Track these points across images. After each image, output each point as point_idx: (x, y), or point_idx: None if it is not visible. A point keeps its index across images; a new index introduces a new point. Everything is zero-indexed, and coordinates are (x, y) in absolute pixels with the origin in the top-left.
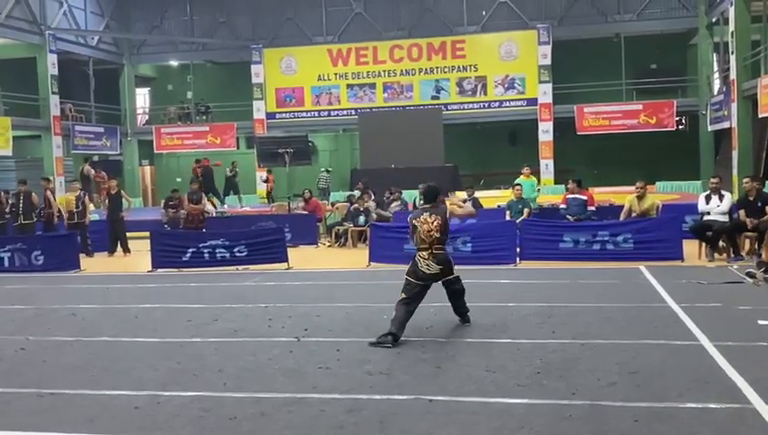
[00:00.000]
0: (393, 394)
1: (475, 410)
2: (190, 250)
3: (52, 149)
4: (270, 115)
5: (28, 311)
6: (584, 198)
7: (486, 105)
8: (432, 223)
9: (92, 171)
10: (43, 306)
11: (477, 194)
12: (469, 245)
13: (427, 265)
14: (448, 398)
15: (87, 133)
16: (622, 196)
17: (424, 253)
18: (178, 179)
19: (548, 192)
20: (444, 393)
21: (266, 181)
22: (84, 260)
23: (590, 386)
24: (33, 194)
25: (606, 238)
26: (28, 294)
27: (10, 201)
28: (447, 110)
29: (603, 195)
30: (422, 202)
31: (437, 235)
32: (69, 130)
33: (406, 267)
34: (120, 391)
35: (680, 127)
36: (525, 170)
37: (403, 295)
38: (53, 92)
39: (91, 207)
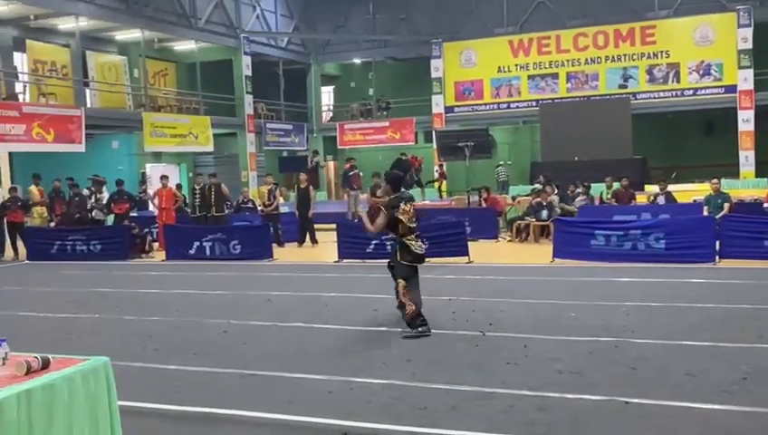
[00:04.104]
0: (585, 394)
1: (674, 414)
2: (374, 242)
3: (247, 145)
4: (448, 109)
5: (228, 296)
6: None
7: (679, 93)
8: (410, 210)
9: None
10: (242, 292)
11: (670, 188)
12: (663, 241)
13: (420, 246)
14: (645, 401)
15: (277, 130)
16: None
17: (412, 237)
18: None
19: (749, 186)
20: (640, 396)
21: (439, 174)
22: (276, 250)
23: None
24: (223, 186)
25: None
26: (228, 280)
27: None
28: (636, 99)
29: None
30: (390, 190)
31: (416, 220)
32: (261, 128)
33: (593, 263)
34: (314, 376)
35: None
36: None
37: (403, 283)
38: (248, 92)
39: (281, 199)
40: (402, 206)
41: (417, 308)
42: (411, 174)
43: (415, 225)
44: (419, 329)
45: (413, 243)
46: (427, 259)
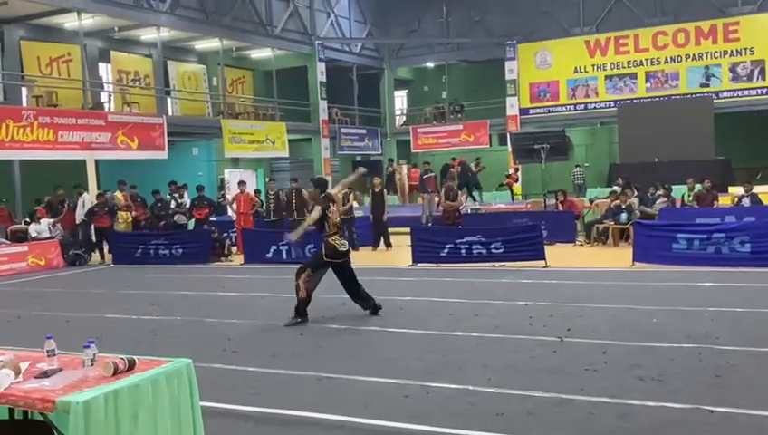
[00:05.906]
0: (668, 402)
1: (762, 424)
2: (448, 246)
3: (321, 150)
4: (523, 111)
5: None
6: None
7: (764, 91)
8: (337, 211)
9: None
10: (317, 296)
11: (755, 189)
12: (748, 245)
13: (343, 243)
14: (731, 410)
15: (351, 135)
16: None
17: (336, 236)
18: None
19: None
20: (726, 404)
21: (509, 177)
22: (351, 254)
23: None
24: (304, 190)
25: None
26: None
27: (284, 198)
28: (718, 98)
29: None
30: (320, 193)
31: (338, 220)
32: (335, 133)
33: (674, 268)
34: (389, 379)
35: None
36: None
37: (310, 272)
38: (322, 98)
39: (355, 204)
40: (332, 206)
41: (308, 297)
42: (474, 174)
43: (338, 226)
44: (298, 318)
45: (336, 241)
46: (502, 263)
